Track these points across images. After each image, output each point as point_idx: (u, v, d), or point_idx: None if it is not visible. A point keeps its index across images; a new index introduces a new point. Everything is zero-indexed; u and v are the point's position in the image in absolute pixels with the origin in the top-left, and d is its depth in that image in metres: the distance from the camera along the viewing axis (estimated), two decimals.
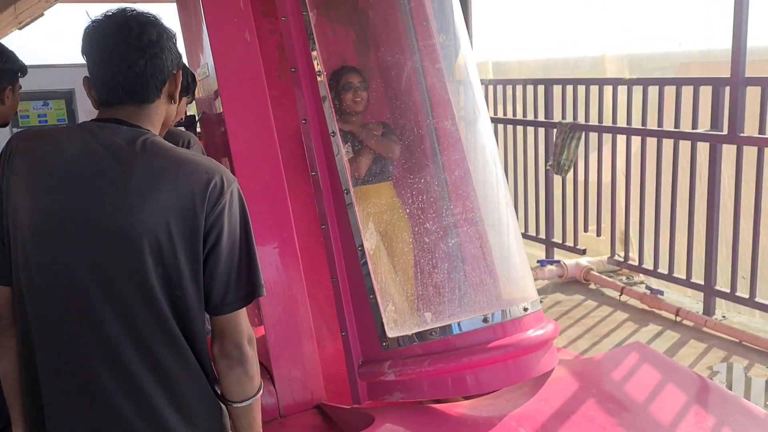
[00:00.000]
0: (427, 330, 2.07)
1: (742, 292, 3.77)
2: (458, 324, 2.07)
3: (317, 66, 2.31)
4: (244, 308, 1.27)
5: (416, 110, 2.80)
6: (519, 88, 5.39)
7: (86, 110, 4.20)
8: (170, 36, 1.27)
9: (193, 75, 2.50)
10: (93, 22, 1.23)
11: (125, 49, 1.20)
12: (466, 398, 2.28)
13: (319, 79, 2.32)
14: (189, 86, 2.47)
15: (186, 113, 2.60)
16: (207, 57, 2.62)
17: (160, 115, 1.29)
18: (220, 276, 1.23)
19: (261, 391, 1.32)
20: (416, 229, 2.27)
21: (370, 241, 2.26)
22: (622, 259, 4.57)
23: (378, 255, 2.35)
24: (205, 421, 1.27)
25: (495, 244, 2.28)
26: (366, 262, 2.15)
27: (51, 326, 1.21)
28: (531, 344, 2.10)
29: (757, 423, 2.14)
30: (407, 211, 2.36)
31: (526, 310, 2.11)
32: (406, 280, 2.25)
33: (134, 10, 1.24)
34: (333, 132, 2.29)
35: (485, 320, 2.04)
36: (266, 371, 2.62)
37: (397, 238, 2.44)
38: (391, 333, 2.11)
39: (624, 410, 2.19)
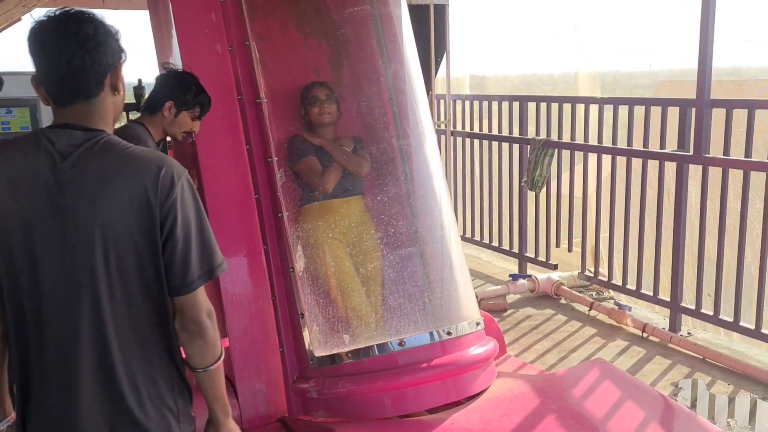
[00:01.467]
0: (344, 352, 2.12)
1: (707, 309, 3.85)
2: (373, 347, 2.12)
3: (260, 93, 2.39)
4: (202, 287, 1.38)
5: (384, 126, 2.83)
6: (495, 104, 5.46)
7: (50, 119, 4.20)
8: (109, 32, 1.34)
9: (199, 91, 2.48)
10: (36, 22, 1.31)
11: (63, 43, 1.29)
12: (430, 412, 2.30)
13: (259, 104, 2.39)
14: (188, 101, 2.48)
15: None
16: (178, 66, 2.63)
17: (108, 108, 1.37)
18: (177, 260, 1.34)
19: (222, 357, 1.45)
20: (338, 254, 2.30)
21: (299, 262, 2.29)
22: (592, 275, 4.63)
23: (309, 275, 2.37)
24: (167, 400, 1.39)
25: (422, 269, 2.30)
26: (296, 283, 2.21)
27: (29, 325, 1.31)
28: (451, 368, 2.12)
29: None
30: (331, 235, 2.40)
31: (450, 333, 2.14)
32: (330, 301, 2.27)
33: (73, 9, 1.32)
34: (271, 158, 2.36)
35: (401, 344, 2.08)
36: (230, 383, 2.61)
37: (358, 254, 2.45)
38: (316, 352, 2.15)
39: (583, 426, 2.22)
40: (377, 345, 2.09)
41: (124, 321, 1.32)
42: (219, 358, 1.43)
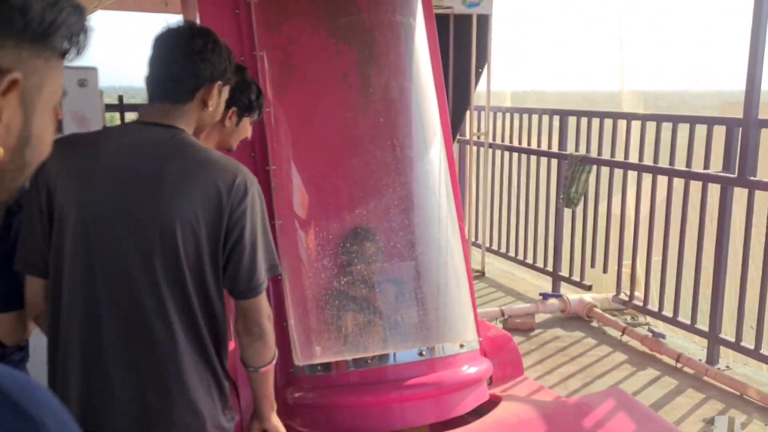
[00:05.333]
0: (316, 363, 2.09)
1: (747, 342, 3.61)
2: (338, 363, 2.08)
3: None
4: (264, 290, 1.45)
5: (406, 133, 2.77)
6: (535, 117, 5.33)
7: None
8: (218, 51, 1.44)
9: (259, 91, 2.03)
10: (160, 31, 1.44)
11: (171, 51, 1.42)
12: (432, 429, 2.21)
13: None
14: (252, 104, 1.96)
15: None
16: None
17: (192, 117, 1.44)
18: (244, 266, 1.39)
19: (275, 358, 1.53)
20: (319, 264, 2.24)
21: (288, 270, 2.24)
22: (627, 299, 4.42)
23: (296, 283, 2.34)
24: (204, 399, 1.40)
25: (403, 286, 2.22)
26: (283, 290, 2.19)
27: (98, 307, 1.34)
28: (419, 390, 2.04)
29: None
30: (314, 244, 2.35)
31: (421, 354, 2.06)
32: (306, 311, 2.21)
33: (192, 23, 1.49)
34: (268, 167, 2.37)
35: (366, 362, 2.03)
36: (233, 387, 2.60)
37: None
38: (296, 360, 2.13)
39: None
40: (340, 362, 2.06)
41: (178, 309, 1.36)
42: (273, 358, 1.51)
